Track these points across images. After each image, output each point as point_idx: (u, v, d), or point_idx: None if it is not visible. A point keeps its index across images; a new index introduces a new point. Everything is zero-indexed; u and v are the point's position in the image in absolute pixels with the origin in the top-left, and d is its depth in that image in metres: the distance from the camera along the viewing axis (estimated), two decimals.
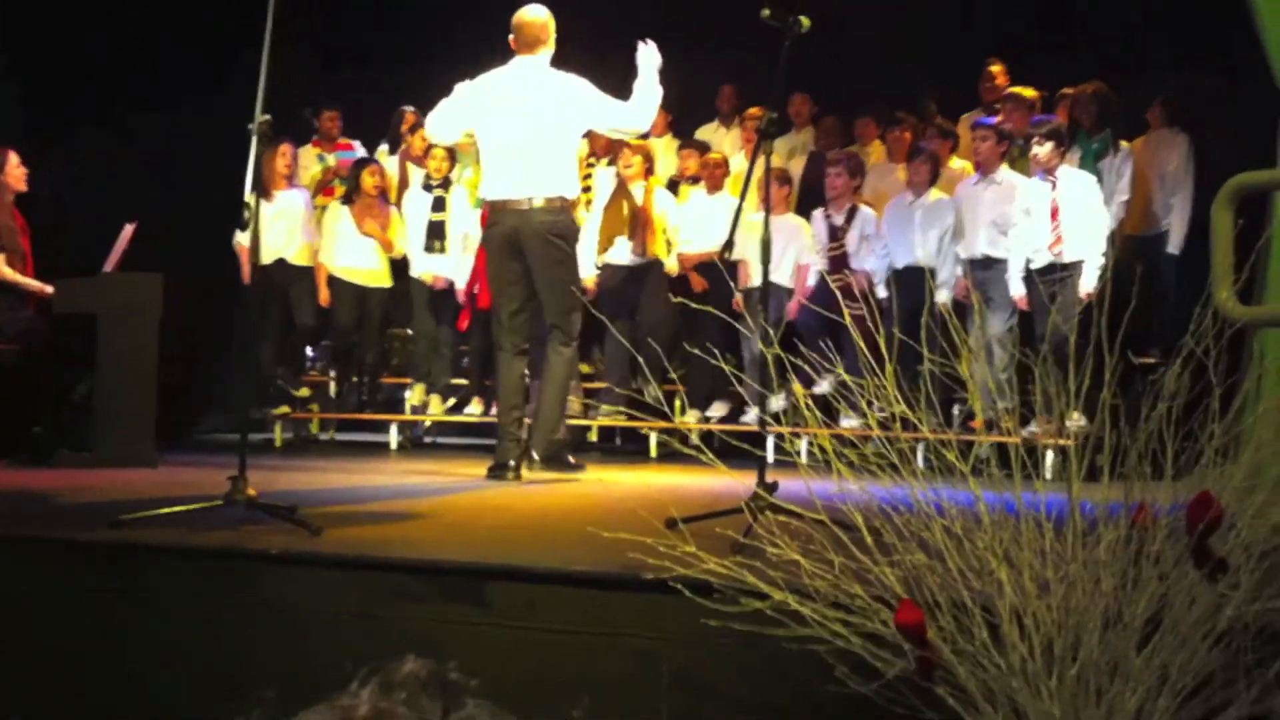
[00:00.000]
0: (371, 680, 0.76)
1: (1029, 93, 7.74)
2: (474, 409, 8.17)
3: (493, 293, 6.22)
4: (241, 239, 7.55)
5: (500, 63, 6.06)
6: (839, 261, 7.56)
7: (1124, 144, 7.44)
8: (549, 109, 5.86)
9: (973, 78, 8.42)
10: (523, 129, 5.85)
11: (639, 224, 7.82)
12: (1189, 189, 7.52)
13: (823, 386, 5.70)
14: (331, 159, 8.88)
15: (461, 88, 6.09)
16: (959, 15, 9.01)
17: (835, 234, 7.62)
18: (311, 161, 8.87)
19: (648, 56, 5.94)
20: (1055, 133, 6.70)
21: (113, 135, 8.15)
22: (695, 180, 8.28)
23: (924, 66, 8.80)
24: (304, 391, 8.42)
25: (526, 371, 6.20)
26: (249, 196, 4.11)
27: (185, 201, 7.95)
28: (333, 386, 8.83)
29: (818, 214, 7.79)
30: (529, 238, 5.85)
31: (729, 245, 4.46)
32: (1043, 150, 6.70)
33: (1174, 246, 7.51)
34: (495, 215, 5.99)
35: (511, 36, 5.95)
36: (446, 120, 6.14)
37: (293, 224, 8.12)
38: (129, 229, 6.76)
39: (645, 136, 7.41)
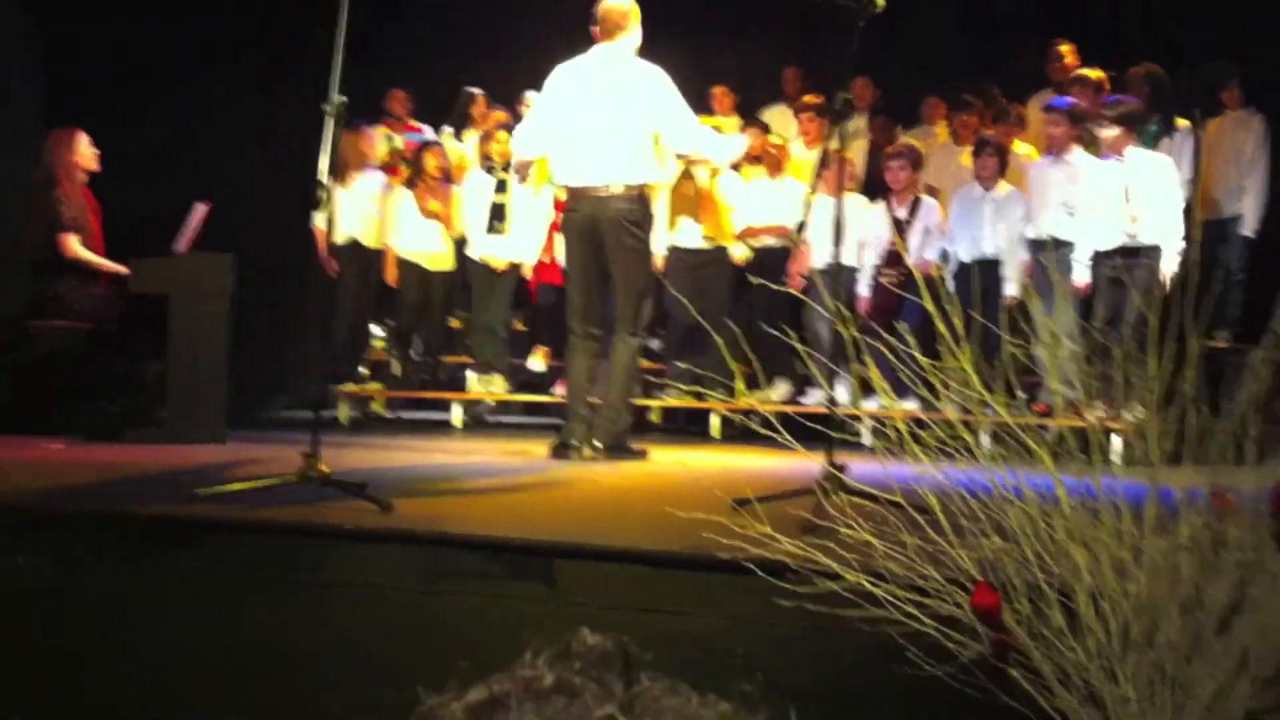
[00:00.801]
0: (548, 651, 0.77)
1: (1096, 74, 7.64)
2: (538, 362, 8.21)
3: (568, 277, 6.25)
4: (318, 221, 7.62)
5: (560, 49, 6.10)
6: (898, 256, 7.50)
7: (1181, 123, 7.32)
8: (629, 95, 5.88)
9: (1038, 58, 8.34)
10: (601, 114, 5.87)
11: (704, 208, 7.82)
12: (1263, 171, 7.41)
13: (909, 404, 5.67)
14: (399, 140, 8.93)
15: (538, 97, 6.17)
16: None
17: (899, 227, 7.57)
18: (381, 142, 8.92)
19: (738, 143, 6.23)
20: (1126, 115, 6.60)
21: (182, 115, 8.22)
22: (757, 160, 8.26)
23: (986, 47, 8.72)
24: (367, 378, 8.49)
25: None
26: (324, 178, 4.14)
27: (258, 182, 8.04)
28: (397, 365, 8.90)
29: (879, 207, 7.74)
30: (606, 225, 5.87)
31: (803, 227, 4.44)
32: (1111, 133, 6.60)
33: (1248, 229, 7.40)
34: (574, 201, 6.01)
35: (594, 26, 5.97)
36: (530, 136, 6.25)
37: (368, 206, 8.21)
38: (201, 209, 6.84)
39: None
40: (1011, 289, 7.02)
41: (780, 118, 8.95)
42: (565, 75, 6.05)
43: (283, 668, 3.35)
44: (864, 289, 7.61)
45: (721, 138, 6.23)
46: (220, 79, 8.22)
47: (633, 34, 5.97)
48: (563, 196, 7.81)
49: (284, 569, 3.54)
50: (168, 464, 5.25)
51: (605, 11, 5.97)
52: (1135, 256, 6.48)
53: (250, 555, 3.61)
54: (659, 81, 5.92)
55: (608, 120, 5.87)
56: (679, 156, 6.37)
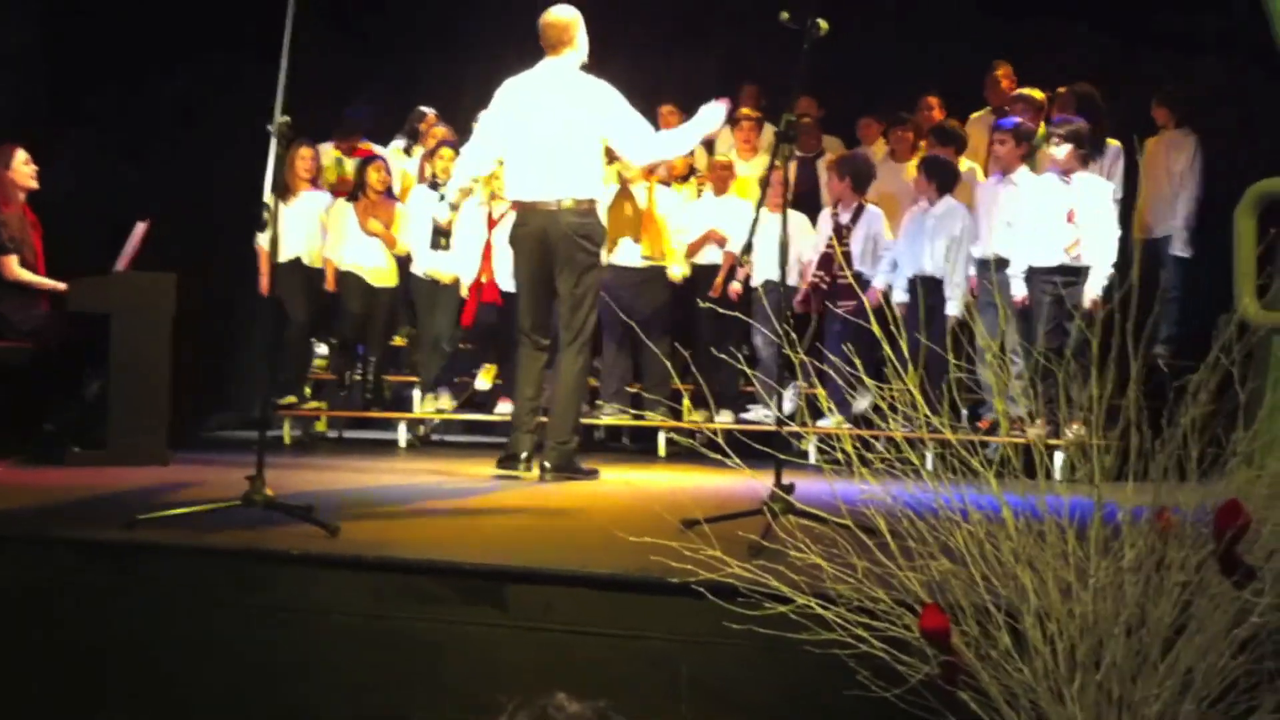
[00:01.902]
0: (524, 714, 0.76)
1: (1038, 94, 7.72)
2: (483, 381, 8.17)
3: (518, 291, 6.23)
4: (262, 240, 7.55)
5: (512, 60, 6.10)
6: (845, 260, 7.54)
7: (1112, 143, 7.41)
8: (576, 110, 5.87)
9: (977, 77, 8.43)
10: (549, 130, 5.86)
11: (643, 227, 7.82)
12: (1194, 190, 7.52)
13: (860, 405, 5.71)
14: (349, 165, 8.85)
15: (484, 117, 6.18)
16: (962, 15, 9.00)
17: (841, 232, 7.61)
18: (330, 160, 8.84)
19: (712, 114, 5.96)
20: (1075, 134, 6.67)
21: (125, 131, 8.14)
22: (684, 178, 8.31)
23: (927, 67, 8.81)
24: (315, 405, 8.42)
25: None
26: (268, 197, 4.11)
27: (201, 199, 7.97)
28: (340, 384, 8.82)
29: (825, 213, 7.79)
30: (557, 239, 5.86)
31: (748, 248, 4.45)
32: (1061, 151, 6.66)
33: (1178, 249, 7.50)
34: (523, 215, 6.00)
35: (541, 39, 5.96)
36: (477, 156, 6.24)
37: (313, 225, 8.13)
38: (141, 227, 6.76)
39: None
40: (953, 308, 7.07)
41: (728, 135, 8.97)
42: (512, 91, 6.04)
43: (229, 691, 3.32)
44: (799, 302, 7.67)
45: (679, 129, 6.18)
46: (162, 95, 8.14)
47: (577, 47, 5.96)
48: (495, 215, 7.83)
49: (229, 594, 3.50)
50: (110, 486, 5.18)
51: (546, 26, 5.95)
52: (1074, 275, 6.55)
53: (195, 580, 3.57)
54: (606, 95, 5.92)
55: (556, 135, 5.86)
56: (622, 150, 6.31)
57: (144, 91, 8.05)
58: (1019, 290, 6.73)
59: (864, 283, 7.33)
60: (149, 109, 8.11)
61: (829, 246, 7.56)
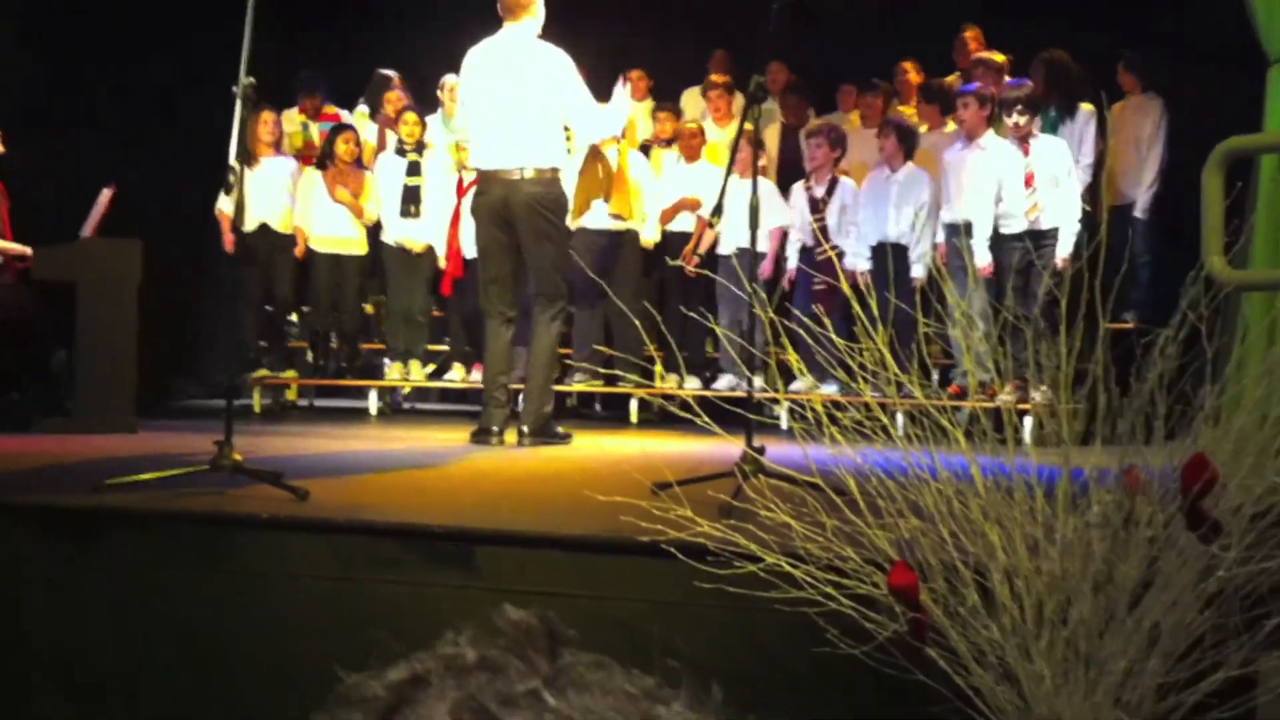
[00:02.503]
0: (471, 629, 0.76)
1: (999, 58, 7.72)
2: (455, 374, 8.15)
3: (481, 261, 6.21)
4: (224, 205, 7.48)
5: (474, 24, 6.07)
6: (821, 233, 7.54)
7: (1084, 107, 7.42)
8: (535, 79, 5.85)
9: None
10: (511, 99, 5.84)
11: (614, 187, 7.77)
12: (1159, 154, 7.54)
13: (830, 388, 5.75)
14: (315, 130, 8.78)
15: (459, 89, 6.20)
16: None
17: (816, 206, 7.60)
18: (295, 125, 8.77)
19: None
20: (1029, 98, 6.70)
21: (90, 100, 8.06)
22: (669, 143, 8.25)
23: (907, 31, 8.79)
24: (282, 366, 8.37)
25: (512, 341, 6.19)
26: (233, 161, 4.07)
27: (165, 167, 7.89)
28: (310, 354, 8.79)
29: (798, 187, 7.76)
30: (518, 208, 5.84)
31: (718, 211, 4.44)
32: (1022, 117, 6.69)
33: (1140, 211, 7.53)
34: (485, 184, 5.97)
35: (500, 5, 5.93)
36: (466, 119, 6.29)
37: (278, 191, 8.06)
38: (107, 193, 6.70)
39: None
40: (918, 271, 7.08)
41: (697, 100, 8.94)
42: (475, 59, 6.01)
43: (197, 655, 3.31)
44: (791, 260, 7.66)
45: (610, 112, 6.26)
46: (129, 61, 8.05)
47: (535, 14, 5.93)
48: (467, 182, 7.80)
49: (196, 558, 3.48)
50: (77, 454, 5.14)
51: None
52: (1040, 240, 6.58)
53: (161, 545, 3.55)
54: (562, 68, 5.90)
55: (516, 104, 5.84)
56: (571, 124, 6.31)
57: (117, 72, 7.97)
58: (984, 257, 6.76)
59: (841, 255, 7.34)
60: (124, 86, 8.04)
61: (815, 220, 7.55)
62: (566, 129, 6.14)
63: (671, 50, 9.39)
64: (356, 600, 3.25)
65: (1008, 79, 7.29)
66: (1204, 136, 3.14)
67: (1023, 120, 6.68)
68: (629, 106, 6.28)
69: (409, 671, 0.72)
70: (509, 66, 5.86)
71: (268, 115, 7.97)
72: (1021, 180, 6.70)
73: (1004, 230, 6.74)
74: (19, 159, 6.94)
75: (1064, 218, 6.62)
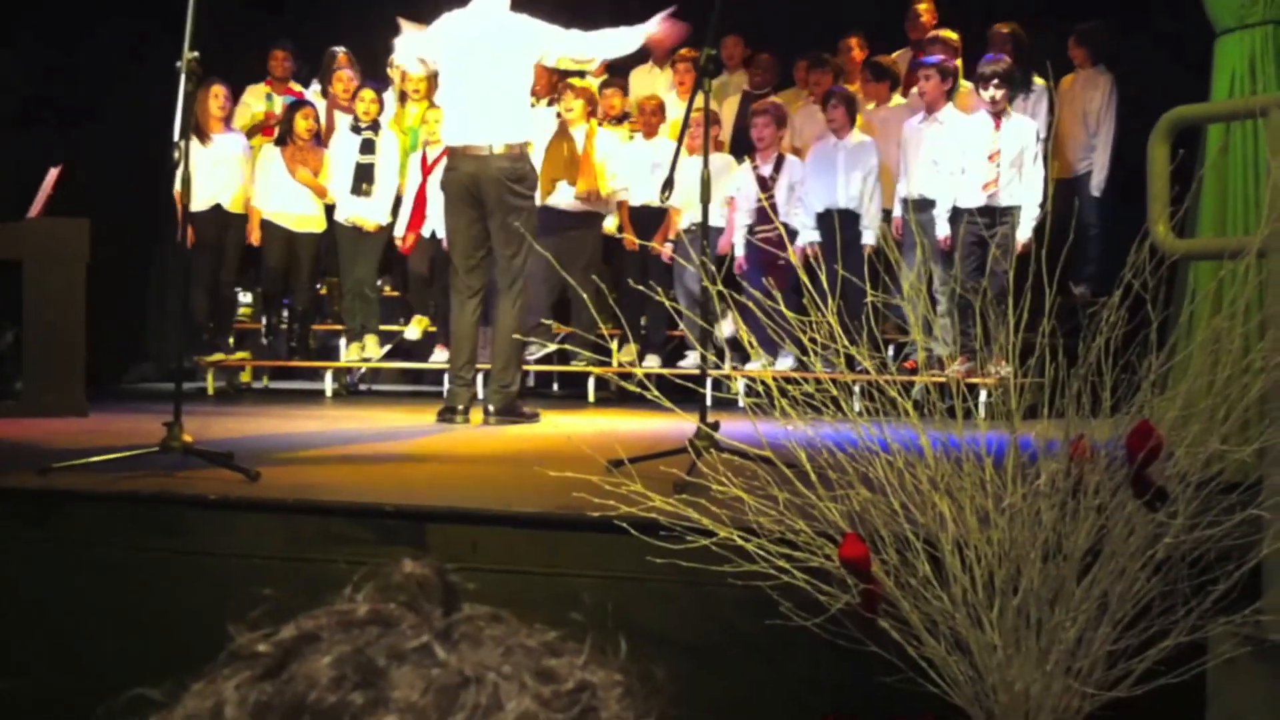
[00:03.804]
0: (369, 584, 0.74)
1: (953, 35, 7.73)
2: (413, 330, 8.08)
3: (449, 239, 6.17)
4: (178, 183, 7.38)
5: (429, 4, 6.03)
6: (770, 210, 7.52)
7: (1039, 81, 7.44)
8: (507, 52, 5.82)
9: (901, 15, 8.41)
10: (482, 73, 5.80)
11: (580, 169, 7.73)
12: (1110, 128, 7.58)
13: (786, 362, 5.73)
14: (278, 102, 8.67)
15: (426, 30, 6.11)
16: None
17: (764, 184, 7.58)
18: (260, 100, 8.66)
19: (656, 24, 5.81)
20: (1008, 74, 6.71)
21: (34, 75, 7.94)
22: (619, 120, 8.21)
23: (855, 5, 8.78)
24: (239, 355, 8.30)
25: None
26: (177, 139, 4.02)
27: (113, 144, 7.79)
28: (264, 333, 8.71)
29: (745, 165, 7.73)
30: (488, 183, 5.81)
31: (668, 185, 4.42)
32: (999, 91, 6.69)
33: (1095, 188, 7.58)
34: (454, 160, 5.94)
35: None
36: (410, 48, 6.22)
37: (230, 169, 7.96)
38: (53, 173, 6.59)
39: (581, 75, 7.41)
40: (870, 237, 7.08)
41: (648, 77, 8.89)
42: (447, 28, 5.96)
43: (147, 635, 3.27)
44: (739, 248, 7.62)
45: (604, 35, 6.13)
46: (77, 37, 7.93)
47: None
48: (430, 160, 7.74)
49: (146, 539, 3.45)
50: (24, 436, 5.08)
51: None
52: (998, 217, 6.60)
53: (111, 526, 3.51)
54: (538, 26, 5.85)
55: (487, 78, 5.81)
56: (564, 59, 6.22)
57: (61, 34, 7.84)
58: (942, 230, 6.77)
59: (791, 233, 7.32)
60: (64, 56, 7.92)
61: (760, 201, 7.52)
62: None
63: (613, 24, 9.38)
64: (307, 579, 3.22)
65: (985, 55, 7.27)
66: (1152, 108, 3.16)
67: (999, 95, 6.68)
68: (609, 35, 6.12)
69: (298, 629, 0.71)
70: (479, 41, 5.82)
71: (218, 89, 7.83)
72: (985, 155, 6.70)
73: (959, 204, 6.75)
74: None
75: (1026, 198, 6.65)
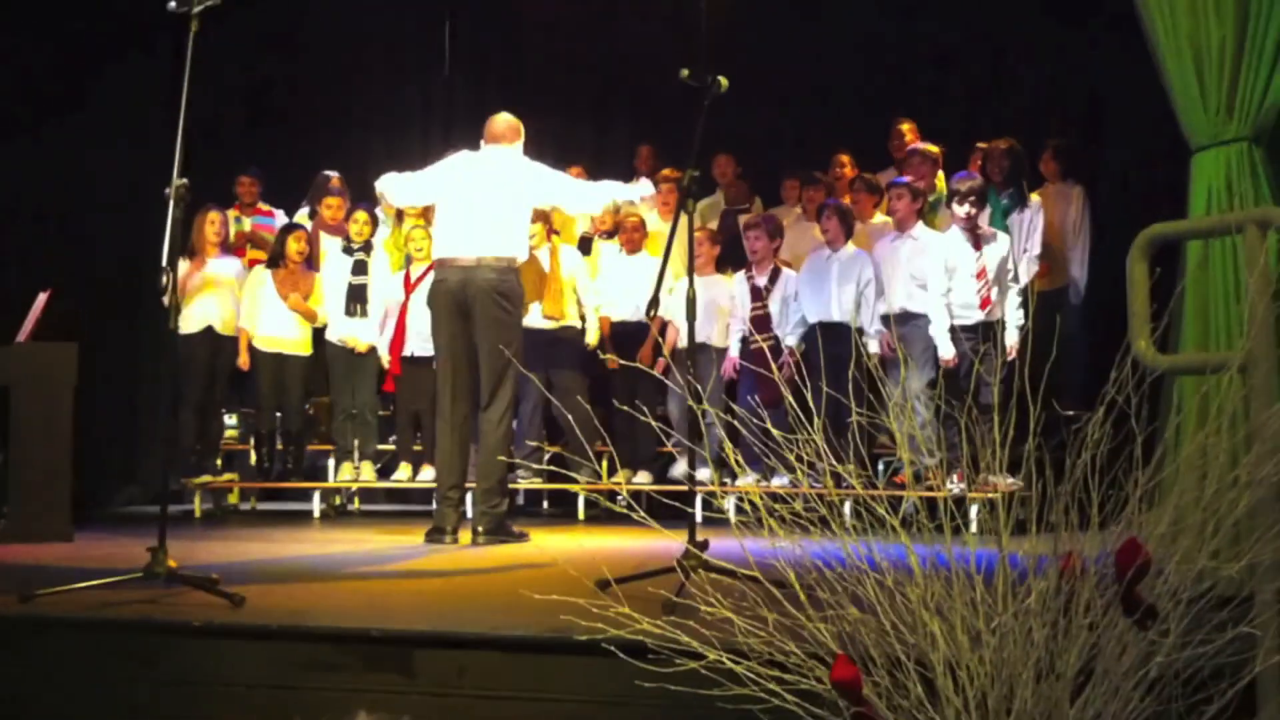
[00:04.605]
0: None
1: (933, 149, 7.87)
2: (402, 474, 8.05)
3: (437, 355, 6.19)
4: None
5: (415, 135, 6.20)
6: (763, 322, 7.57)
7: (1034, 198, 7.56)
8: (509, 181, 6.03)
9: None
10: (480, 196, 5.98)
11: (545, 289, 7.79)
12: (1086, 240, 7.69)
13: (780, 481, 5.70)
14: (247, 223, 8.76)
15: (428, 170, 6.33)
16: (884, 72, 9.18)
17: (758, 295, 7.65)
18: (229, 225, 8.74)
19: (641, 188, 6.45)
20: (979, 192, 6.83)
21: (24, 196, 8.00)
22: (609, 235, 8.29)
23: (848, 125, 8.95)
24: (227, 477, 8.28)
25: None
26: (165, 264, 4.05)
27: (105, 267, 7.84)
28: (253, 456, 8.68)
29: (740, 275, 7.81)
30: (474, 295, 5.86)
31: (654, 304, 4.45)
32: (973, 209, 6.80)
33: (1075, 298, 7.66)
34: (441, 271, 6.01)
35: (486, 133, 6.18)
36: (410, 189, 6.38)
37: (224, 293, 8.01)
38: (42, 298, 6.63)
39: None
40: (874, 347, 7.09)
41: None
42: (456, 160, 6.21)
43: None
44: (734, 349, 7.65)
45: (600, 188, 6.36)
46: (63, 159, 8.02)
47: (518, 146, 6.17)
48: (414, 278, 7.80)
49: (130, 667, 3.40)
50: (8, 561, 5.04)
51: (497, 120, 6.17)
52: (982, 332, 6.66)
53: (94, 654, 3.46)
54: (541, 170, 6.13)
55: (486, 199, 5.96)
56: (573, 206, 6.56)
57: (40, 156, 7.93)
58: (946, 351, 6.78)
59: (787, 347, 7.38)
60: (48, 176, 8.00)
61: (755, 309, 7.57)
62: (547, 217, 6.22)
63: (603, 142, 9.58)
64: (292, 707, 3.17)
65: (957, 173, 7.39)
66: (1129, 223, 3.20)
67: (972, 211, 6.80)
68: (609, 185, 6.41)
69: None
70: (488, 170, 6.06)
71: (215, 215, 7.94)
72: (970, 272, 6.79)
73: (958, 322, 6.82)
74: None
75: (1009, 310, 6.77)
